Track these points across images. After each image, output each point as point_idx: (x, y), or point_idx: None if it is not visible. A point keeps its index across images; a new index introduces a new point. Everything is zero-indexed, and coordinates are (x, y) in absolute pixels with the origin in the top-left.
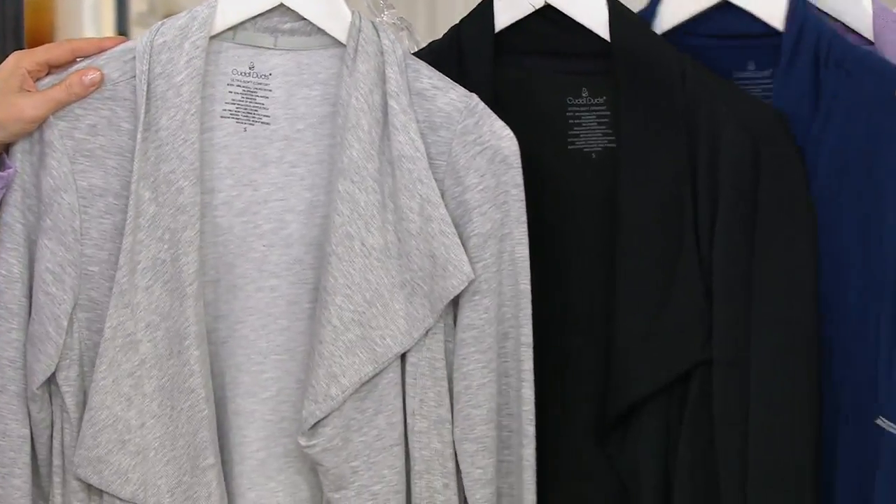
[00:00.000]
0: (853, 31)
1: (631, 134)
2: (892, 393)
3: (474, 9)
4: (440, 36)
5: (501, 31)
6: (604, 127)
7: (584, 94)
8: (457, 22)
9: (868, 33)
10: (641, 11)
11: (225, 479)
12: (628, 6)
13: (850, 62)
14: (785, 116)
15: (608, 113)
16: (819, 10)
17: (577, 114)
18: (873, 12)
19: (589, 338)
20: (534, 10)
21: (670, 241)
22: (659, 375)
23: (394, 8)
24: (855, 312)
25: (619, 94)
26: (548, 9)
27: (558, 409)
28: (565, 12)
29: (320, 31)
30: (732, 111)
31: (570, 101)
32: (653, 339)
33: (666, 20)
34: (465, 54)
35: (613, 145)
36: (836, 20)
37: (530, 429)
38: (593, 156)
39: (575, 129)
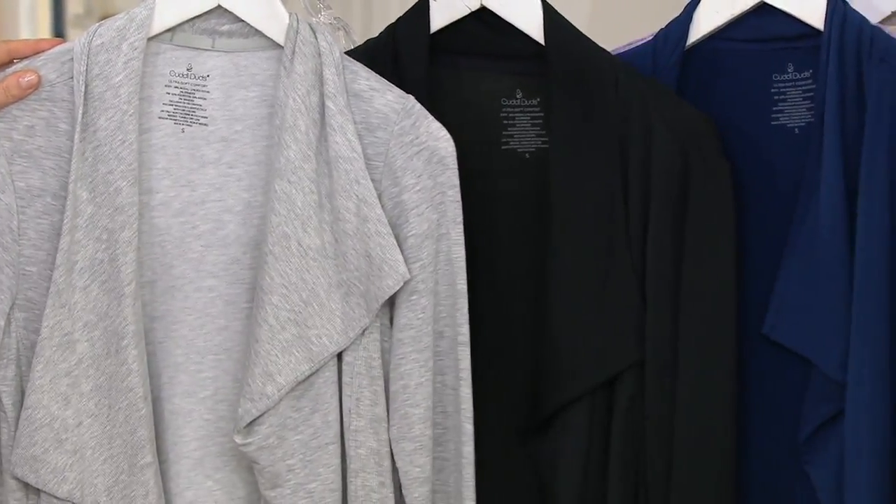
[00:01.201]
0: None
1: (563, 136)
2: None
3: (410, 9)
4: (376, 35)
5: (437, 32)
6: (537, 128)
7: (518, 96)
8: (392, 22)
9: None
10: (677, 18)
11: (163, 479)
12: (667, 12)
13: (893, 56)
14: (713, 122)
15: (542, 114)
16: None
17: (511, 114)
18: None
19: (520, 338)
20: (469, 11)
21: (602, 243)
22: (592, 376)
23: (331, 8)
24: None
25: (551, 96)
26: (483, 11)
27: (488, 409)
28: (500, 15)
29: (258, 32)
30: (663, 117)
31: (504, 101)
32: (586, 339)
33: (703, 26)
34: (400, 54)
35: (546, 146)
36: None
37: (469, 427)
38: (527, 156)
39: (509, 129)
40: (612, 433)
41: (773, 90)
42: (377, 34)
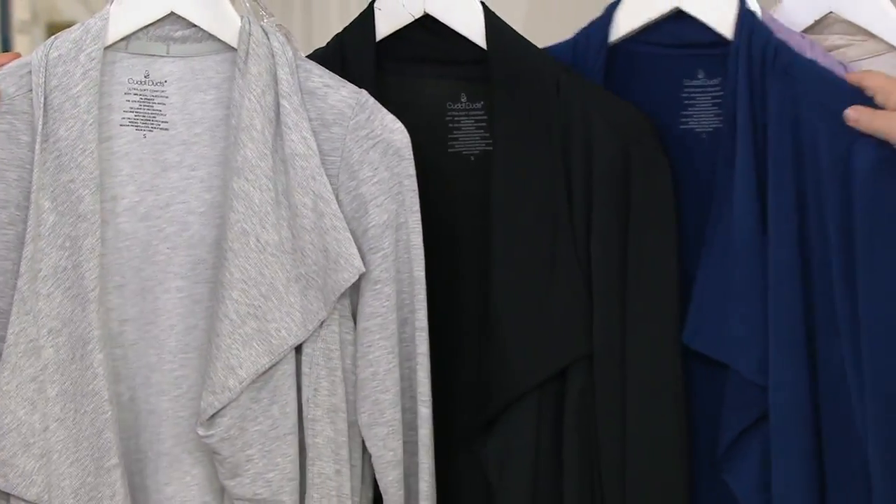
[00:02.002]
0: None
1: (505, 137)
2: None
3: (355, 18)
4: (315, 42)
5: (383, 40)
6: (481, 131)
7: (462, 100)
8: (333, 28)
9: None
10: (597, 19)
11: (142, 476)
12: (589, 11)
13: (795, 69)
14: (651, 121)
15: (485, 117)
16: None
17: (456, 118)
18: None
19: (469, 338)
20: (413, 19)
21: (546, 240)
22: (538, 371)
23: (273, 16)
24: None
25: (493, 100)
26: (427, 18)
27: (436, 409)
28: (443, 21)
29: (211, 36)
30: (604, 116)
31: (449, 105)
32: (532, 335)
33: (621, 28)
34: (347, 61)
35: (491, 148)
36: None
37: (426, 410)
38: (472, 158)
39: (454, 132)
40: (563, 428)
41: (683, 94)
42: (318, 40)
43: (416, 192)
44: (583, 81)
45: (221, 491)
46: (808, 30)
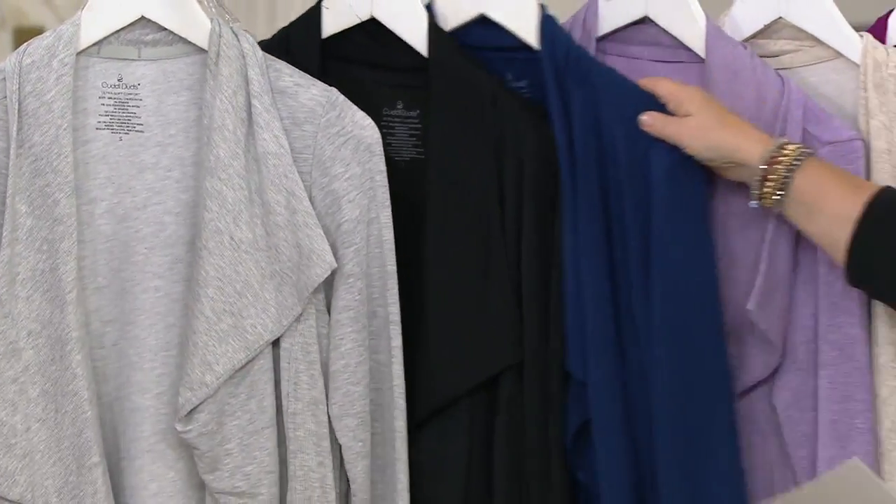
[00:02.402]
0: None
1: (439, 147)
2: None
3: (302, 14)
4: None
5: (329, 39)
6: (414, 139)
7: (398, 106)
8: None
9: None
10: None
11: (125, 474)
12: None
13: (595, 76)
14: None
15: (420, 126)
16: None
17: (391, 124)
18: (706, 30)
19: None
20: (359, 21)
21: (478, 251)
22: (467, 379)
23: (238, 20)
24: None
25: (431, 108)
26: (373, 22)
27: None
28: (389, 27)
29: (182, 39)
30: (536, 132)
31: (385, 111)
32: (463, 342)
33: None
34: (292, 56)
35: (422, 156)
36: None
37: (401, 402)
38: (402, 164)
39: (388, 138)
40: (494, 436)
41: None
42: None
43: (387, 187)
44: (518, 97)
45: (204, 486)
46: (758, 34)
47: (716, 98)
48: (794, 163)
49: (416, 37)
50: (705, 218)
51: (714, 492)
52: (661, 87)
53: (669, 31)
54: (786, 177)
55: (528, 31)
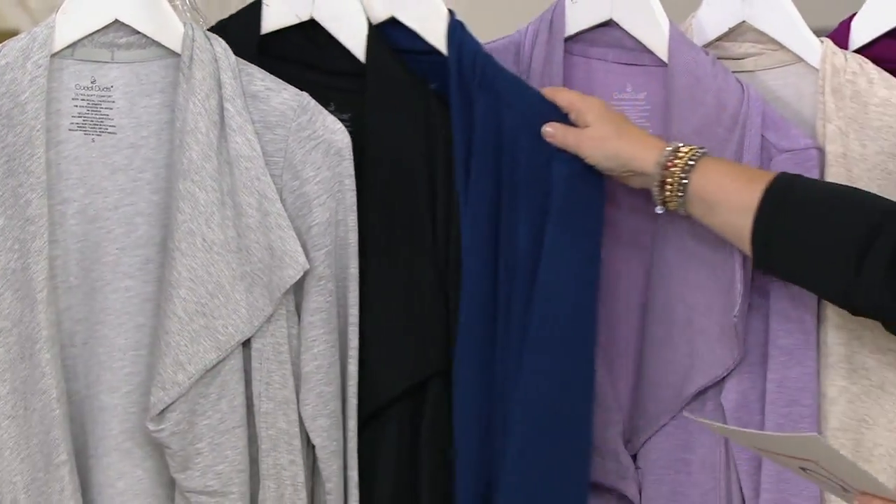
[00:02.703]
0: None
1: (374, 152)
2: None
3: (243, 9)
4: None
5: (266, 37)
6: None
7: (331, 108)
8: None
9: (664, 55)
10: None
11: (94, 472)
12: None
13: (499, 83)
14: None
15: (352, 129)
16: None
17: None
18: (670, 35)
19: None
20: (299, 21)
21: (409, 258)
22: (397, 384)
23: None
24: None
25: (367, 113)
26: (312, 23)
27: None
28: (328, 29)
29: (155, 42)
30: None
31: None
32: (393, 348)
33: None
34: None
35: (355, 160)
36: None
37: (354, 401)
38: None
39: None
40: (420, 440)
41: None
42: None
43: (355, 191)
44: (446, 103)
45: (172, 484)
46: (723, 37)
47: (676, 102)
48: (689, 163)
49: (355, 41)
50: (597, 232)
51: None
52: (561, 96)
53: (633, 34)
54: (682, 178)
55: (436, 36)
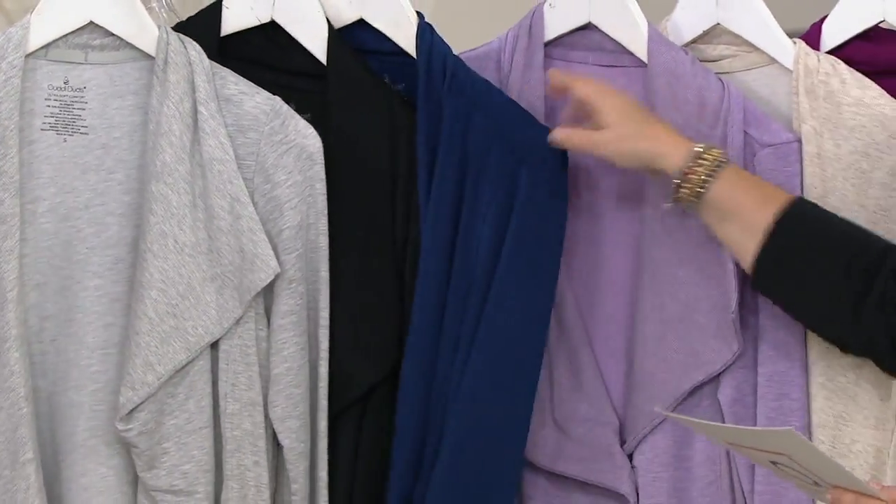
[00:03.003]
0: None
1: (337, 152)
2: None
3: (203, 10)
4: None
5: (227, 38)
6: None
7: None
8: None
9: (643, 55)
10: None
11: (59, 469)
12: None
13: (470, 88)
14: None
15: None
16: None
17: None
18: (649, 35)
19: None
20: (259, 23)
21: (374, 254)
22: (361, 383)
23: None
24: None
25: (329, 113)
26: (272, 25)
27: None
28: (289, 32)
29: (129, 45)
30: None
31: None
32: (354, 348)
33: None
34: None
35: None
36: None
37: (324, 402)
38: None
39: None
40: (361, 437)
41: None
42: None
43: (326, 195)
44: (409, 104)
45: (136, 482)
46: (698, 39)
47: (658, 101)
48: (713, 170)
49: (315, 43)
50: (559, 239)
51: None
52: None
53: (612, 36)
54: (701, 186)
55: (405, 38)
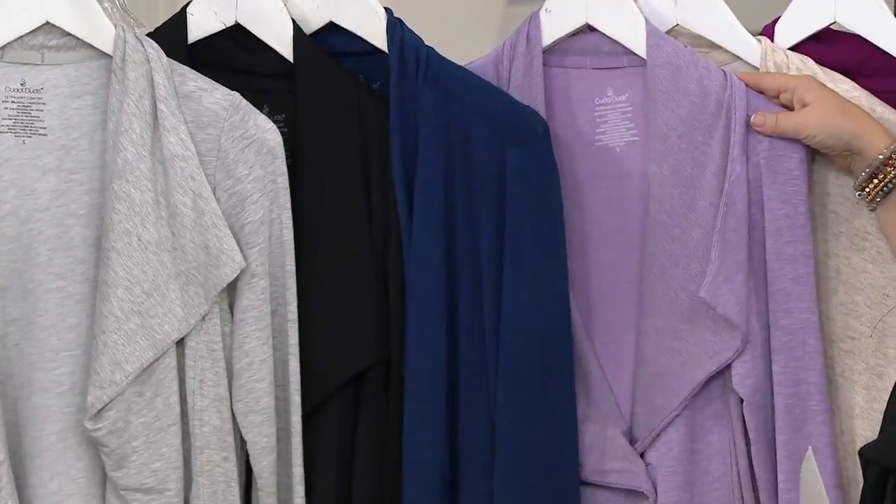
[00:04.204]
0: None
1: (308, 150)
2: None
3: (168, 20)
4: None
5: (194, 45)
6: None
7: (264, 111)
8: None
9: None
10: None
11: (27, 472)
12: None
13: (446, 76)
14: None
15: (286, 129)
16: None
17: None
18: (647, 31)
19: None
20: (224, 27)
21: (348, 249)
22: (336, 377)
23: (143, 26)
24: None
25: (299, 111)
26: (238, 28)
27: None
28: (255, 33)
29: (85, 44)
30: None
31: None
32: (330, 341)
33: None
34: None
35: (290, 160)
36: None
37: (297, 398)
38: None
39: None
40: (356, 432)
41: None
42: None
43: (288, 189)
44: (380, 99)
45: (105, 483)
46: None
47: (661, 93)
48: None
49: (282, 42)
50: (558, 214)
51: (549, 477)
52: (770, 81)
53: (611, 36)
54: (893, 180)
55: (375, 36)
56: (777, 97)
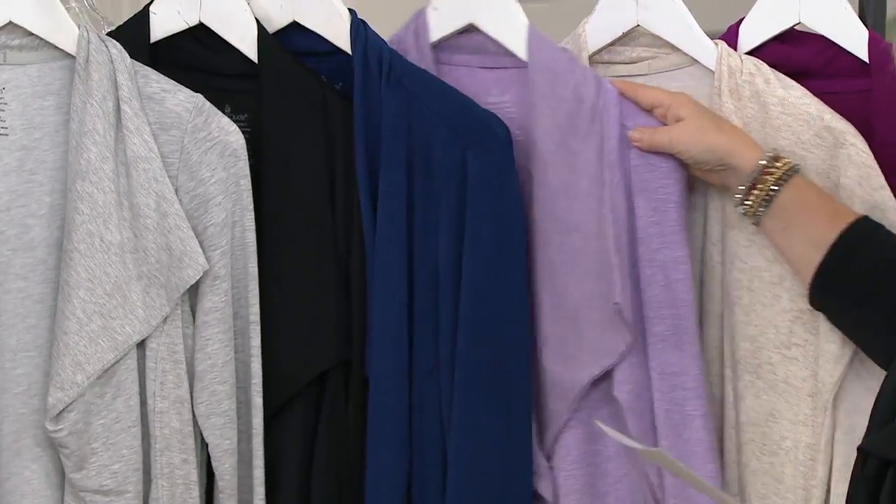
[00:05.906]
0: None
1: (272, 148)
2: None
3: (130, 19)
4: None
5: (157, 45)
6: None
7: (227, 111)
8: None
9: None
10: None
11: None
12: None
13: (409, 79)
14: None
15: (249, 129)
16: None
17: None
18: (528, 35)
19: None
20: (187, 27)
21: (310, 249)
22: (299, 378)
23: (113, 25)
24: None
25: (263, 111)
26: (201, 27)
27: None
28: (219, 33)
29: (48, 44)
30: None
31: None
32: (292, 345)
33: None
34: None
35: (252, 159)
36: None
37: (258, 399)
38: None
39: None
40: (317, 433)
41: None
42: None
43: (251, 191)
44: (346, 98)
45: (62, 484)
46: (617, 41)
47: (539, 98)
48: (784, 176)
49: (245, 42)
50: (518, 220)
51: (500, 482)
52: (646, 94)
53: (493, 37)
54: (773, 189)
55: (339, 37)
56: (651, 111)
